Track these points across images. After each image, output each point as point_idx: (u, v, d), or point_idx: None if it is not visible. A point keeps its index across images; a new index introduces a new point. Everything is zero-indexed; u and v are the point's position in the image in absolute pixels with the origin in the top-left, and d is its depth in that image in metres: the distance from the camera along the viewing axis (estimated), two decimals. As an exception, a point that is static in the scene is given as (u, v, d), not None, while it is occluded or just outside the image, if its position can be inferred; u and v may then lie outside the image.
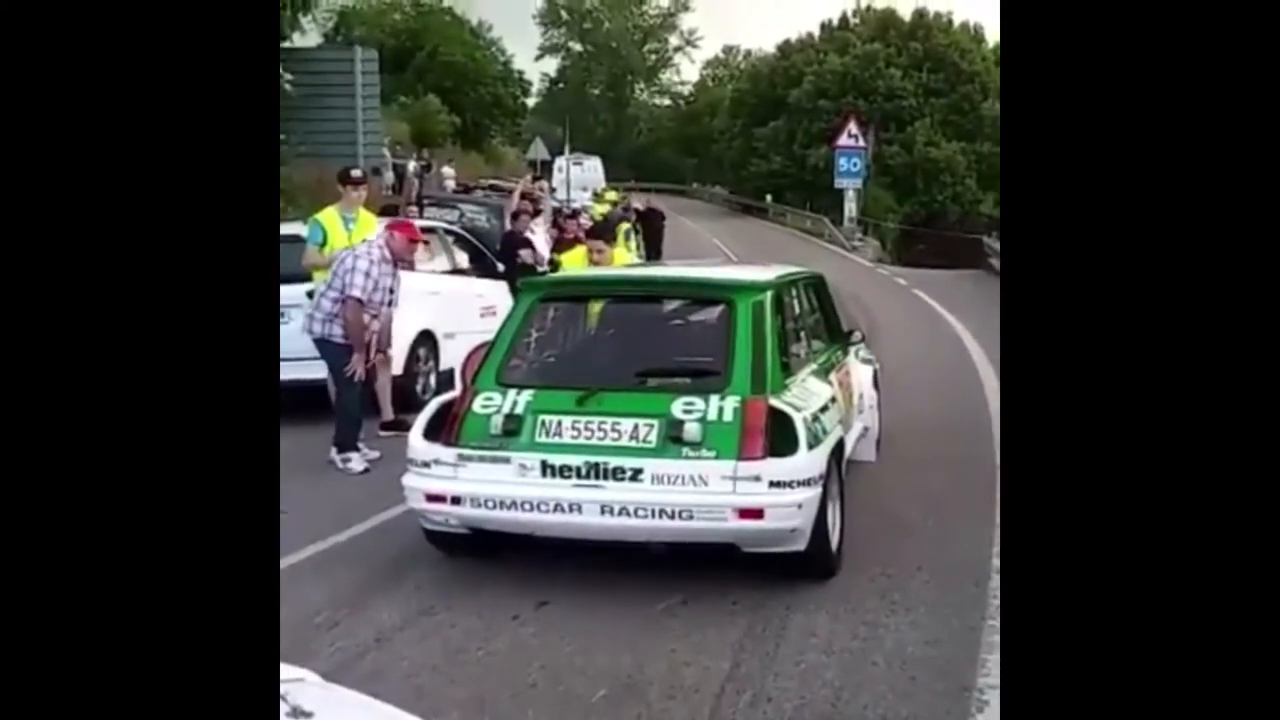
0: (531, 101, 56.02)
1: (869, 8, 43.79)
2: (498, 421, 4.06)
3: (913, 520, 5.12)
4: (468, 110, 38.48)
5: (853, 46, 40.59)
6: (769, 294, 4.43)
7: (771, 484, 3.85)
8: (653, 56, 65.08)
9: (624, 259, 7.58)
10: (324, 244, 6.72)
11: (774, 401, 3.99)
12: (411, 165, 21.26)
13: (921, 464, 6.24)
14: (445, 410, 4.23)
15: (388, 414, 6.93)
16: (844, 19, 43.88)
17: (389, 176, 19.83)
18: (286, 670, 1.43)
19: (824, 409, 4.37)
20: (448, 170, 23.87)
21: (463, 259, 9.07)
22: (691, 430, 3.90)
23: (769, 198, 38.10)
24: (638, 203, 20.27)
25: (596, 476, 3.92)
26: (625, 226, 12.50)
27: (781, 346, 4.39)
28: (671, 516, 3.84)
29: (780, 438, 3.90)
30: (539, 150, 27.46)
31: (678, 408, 3.96)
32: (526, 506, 3.97)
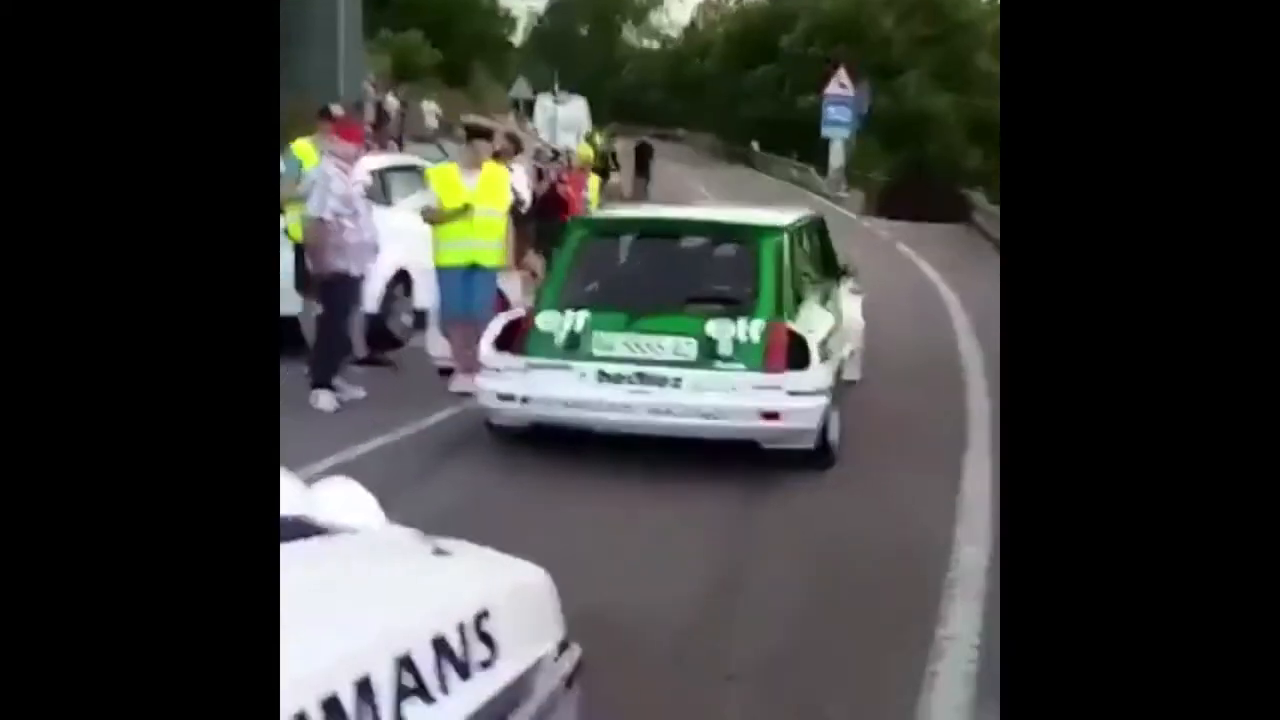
0: (517, 39, 55.16)
1: (864, -47, 43.17)
2: (560, 337, 4.85)
3: (893, 429, 5.80)
4: (451, 46, 37.85)
5: (846, -9, 40.10)
6: (786, 235, 5.16)
7: (789, 393, 4.63)
8: (643, -3, 64.07)
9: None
10: (299, 177, 6.62)
11: (791, 325, 4.77)
12: (392, 100, 20.94)
13: (900, 385, 6.80)
14: (512, 327, 5.01)
15: (360, 350, 6.89)
16: (838, -36, 43.29)
17: (369, 111, 19.51)
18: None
19: (830, 333, 5.14)
20: (429, 106, 23.50)
21: (441, 197, 8.97)
22: (724, 346, 4.70)
23: (756, 145, 37.78)
24: (619, 143, 22.19)
25: (645, 383, 4.73)
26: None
27: (795, 280, 5.09)
28: (706, 416, 4.66)
29: (796, 355, 4.68)
30: (522, 89, 27.05)
31: (712, 328, 4.75)
32: (587, 406, 4.75)
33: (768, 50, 40.72)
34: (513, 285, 7.39)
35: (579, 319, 4.87)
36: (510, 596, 1.63)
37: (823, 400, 4.73)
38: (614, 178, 22.03)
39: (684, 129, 49.62)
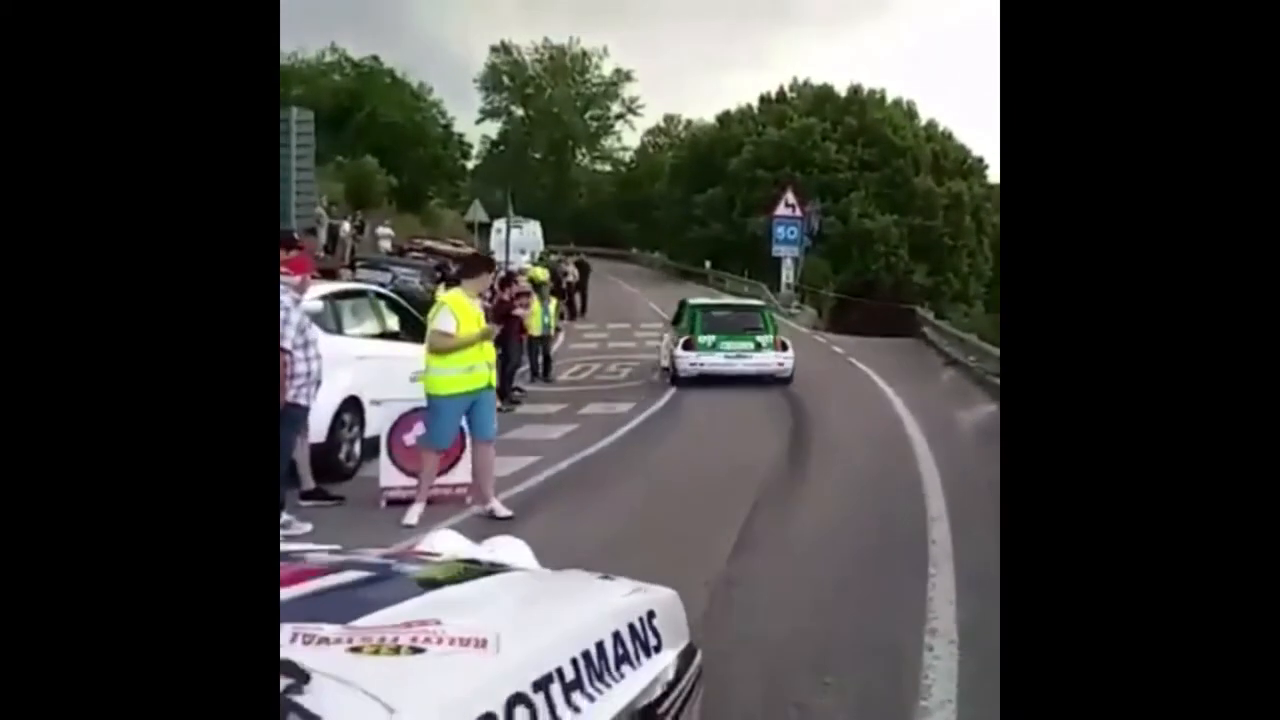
0: (471, 164, 56.25)
1: (806, 83, 44.99)
2: (708, 344, 14.35)
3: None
4: (406, 171, 38.49)
5: (790, 120, 41.55)
6: (770, 308, 18.20)
7: (787, 359, 14.43)
8: (594, 123, 65.62)
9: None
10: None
11: (780, 338, 14.90)
12: (345, 226, 21.06)
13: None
14: (688, 342, 14.31)
15: (307, 483, 6.67)
16: (781, 93, 45.00)
17: (322, 236, 19.56)
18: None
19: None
20: (384, 230, 23.68)
21: (393, 322, 8.89)
22: (764, 344, 14.55)
23: (708, 263, 38.47)
24: (570, 263, 25.94)
25: (740, 357, 14.31)
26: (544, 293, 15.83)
27: (776, 324, 15.90)
28: (760, 366, 14.35)
29: (785, 346, 14.64)
30: (477, 212, 27.37)
31: (758, 338, 14.63)
32: (722, 366, 14.21)
33: (716, 173, 41.85)
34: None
35: (712, 338, 14.32)
36: (661, 606, 2.24)
37: (793, 362, 14.26)
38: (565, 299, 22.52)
39: (636, 249, 50.51)
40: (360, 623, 1.66)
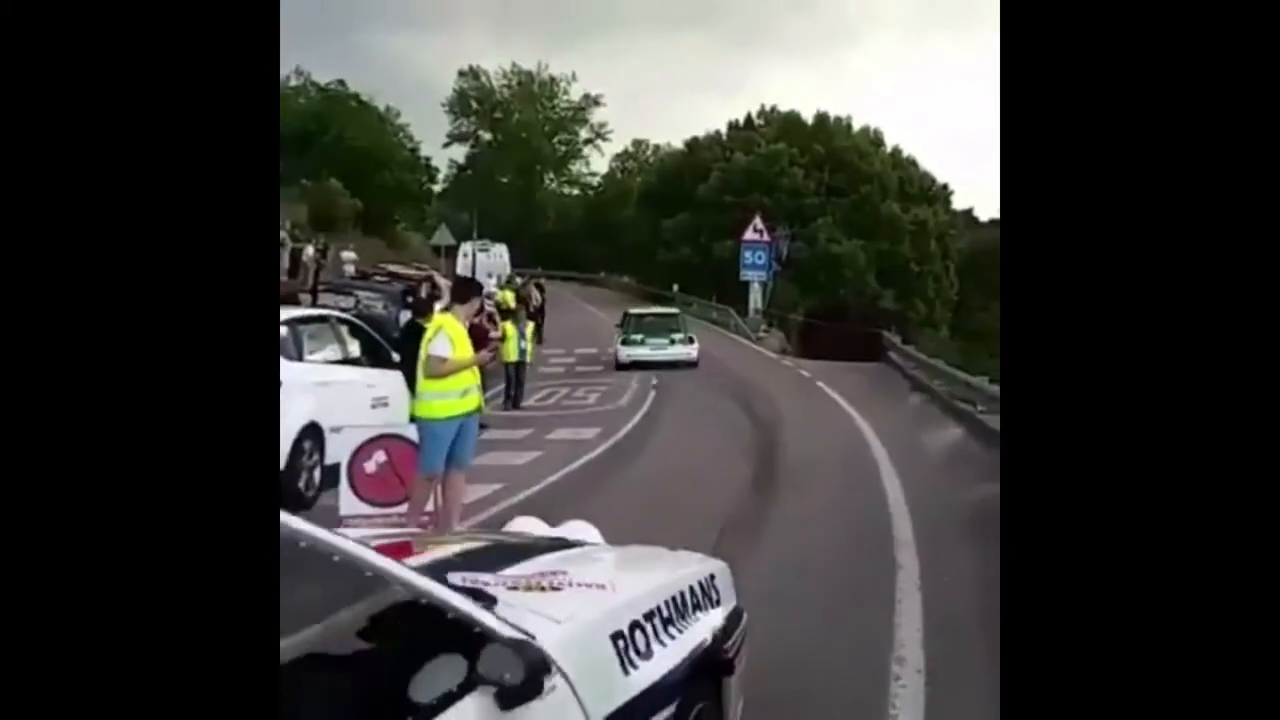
0: (438, 188, 56.06)
1: (774, 109, 45.37)
2: (637, 340, 21.65)
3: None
4: (371, 194, 38.22)
5: (758, 146, 41.84)
6: (683, 313, 25.80)
7: (693, 349, 21.76)
8: (562, 148, 65.64)
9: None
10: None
11: (689, 334, 22.45)
12: (309, 250, 20.85)
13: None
14: (624, 340, 21.69)
15: (265, 512, 6.53)
16: (750, 119, 45.34)
17: (284, 260, 19.32)
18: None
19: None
20: (348, 254, 23.49)
21: (354, 348, 8.76)
22: (678, 339, 21.87)
23: (676, 287, 38.54)
24: (532, 285, 26.50)
25: (659, 349, 21.30)
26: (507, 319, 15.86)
27: (687, 326, 23.34)
28: (677, 355, 21.26)
29: (692, 341, 22.04)
30: (444, 236, 27.27)
31: (673, 336, 21.92)
32: (650, 356, 20.90)
33: (684, 198, 42.00)
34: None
35: (640, 336, 21.62)
36: (719, 571, 2.91)
37: (697, 351, 21.69)
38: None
39: (605, 273, 50.48)
40: (504, 573, 2.23)
